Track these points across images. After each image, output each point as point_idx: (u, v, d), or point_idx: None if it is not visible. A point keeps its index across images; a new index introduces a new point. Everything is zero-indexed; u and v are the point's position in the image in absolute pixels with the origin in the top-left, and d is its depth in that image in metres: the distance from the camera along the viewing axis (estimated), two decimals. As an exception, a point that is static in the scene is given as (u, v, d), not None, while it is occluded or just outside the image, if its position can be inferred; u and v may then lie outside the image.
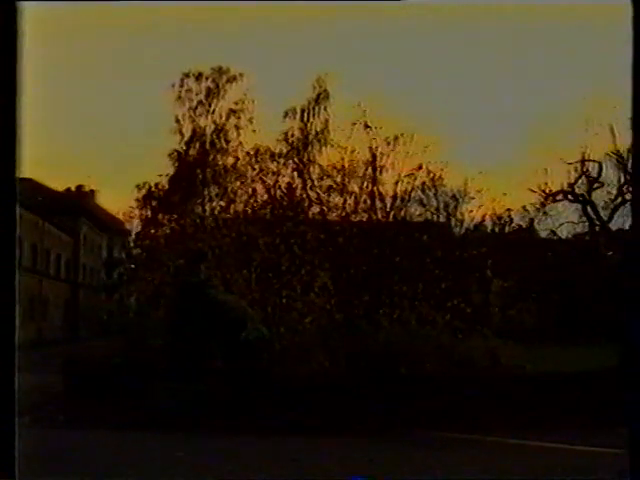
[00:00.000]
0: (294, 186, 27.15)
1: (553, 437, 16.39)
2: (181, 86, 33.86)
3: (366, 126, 26.27)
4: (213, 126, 34.39)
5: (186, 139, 34.64)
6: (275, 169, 27.44)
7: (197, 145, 34.53)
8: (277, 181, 27.11)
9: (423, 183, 27.95)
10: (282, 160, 27.58)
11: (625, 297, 4.78)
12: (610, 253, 33.72)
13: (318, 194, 26.76)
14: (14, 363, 4.46)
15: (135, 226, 35.20)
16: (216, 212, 28.99)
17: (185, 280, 19.56)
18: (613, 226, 29.30)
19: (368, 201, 26.55)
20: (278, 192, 26.77)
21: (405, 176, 26.71)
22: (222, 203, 29.08)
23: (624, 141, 28.50)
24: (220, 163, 32.73)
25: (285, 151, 27.88)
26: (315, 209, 26.85)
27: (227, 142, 33.68)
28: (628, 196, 27.80)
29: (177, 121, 34.37)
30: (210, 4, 25.89)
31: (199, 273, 19.40)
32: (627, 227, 33.26)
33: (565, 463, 13.19)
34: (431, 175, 27.59)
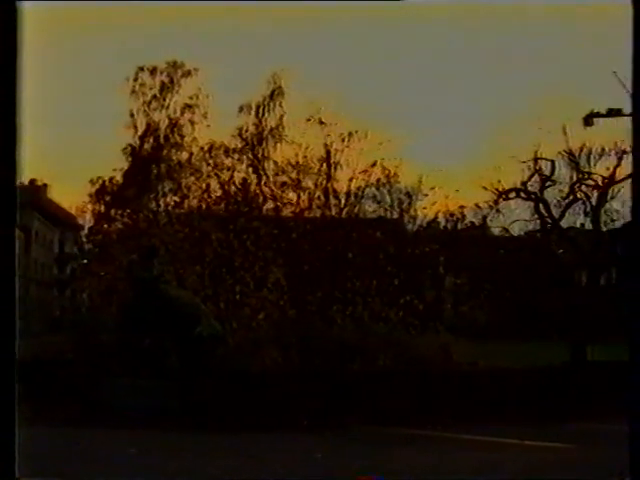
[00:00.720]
0: (248, 182, 27.13)
1: (505, 432, 16.56)
2: (135, 80, 33.71)
3: (320, 122, 26.32)
4: (167, 121, 34.26)
5: (140, 133, 34.48)
6: (229, 165, 27.42)
7: (151, 140, 34.38)
8: (231, 177, 27.08)
9: (377, 180, 28.07)
10: (236, 156, 27.56)
11: (627, 296, 4.80)
12: (561, 251, 34.08)
13: (272, 190, 26.76)
14: (14, 363, 4.43)
15: (88, 221, 35.02)
16: (170, 207, 28.90)
17: (138, 276, 19.43)
18: (564, 224, 29.61)
19: (322, 197, 26.61)
20: (232, 188, 26.72)
21: (359, 173, 26.81)
22: (176, 198, 28.99)
23: (576, 140, 28.85)
24: (174, 158, 32.64)
25: (240, 147, 27.87)
26: (269, 205, 26.86)
27: (181, 137, 33.58)
28: (579, 194, 28.13)
29: (131, 115, 34.21)
30: (165, -2, 25.78)
31: (152, 268, 19.29)
32: (578, 225, 33.65)
33: (516, 458, 13.31)
34: (385, 172, 27.71)
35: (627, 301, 4.78)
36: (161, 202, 31.15)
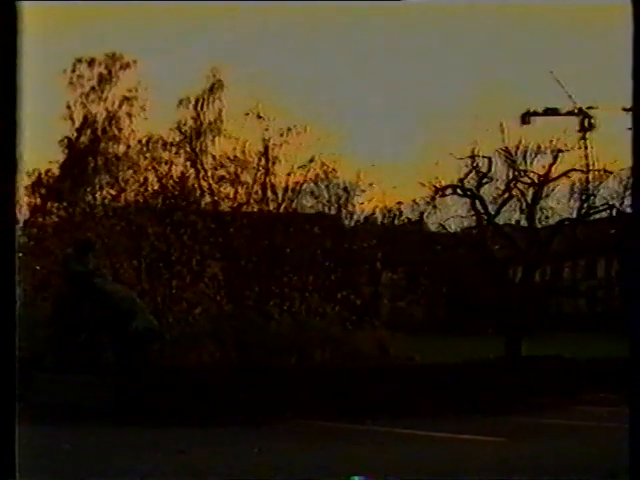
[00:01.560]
0: (186, 176, 26.97)
1: (440, 426, 16.71)
2: (73, 71, 33.37)
3: (259, 117, 26.25)
4: (105, 113, 33.99)
5: (77, 126, 34.15)
6: (167, 158, 27.23)
7: (88, 132, 34.09)
8: (169, 170, 26.89)
9: (316, 175, 28.09)
10: (174, 149, 27.38)
11: (628, 295, 4.82)
12: (497, 247, 34.46)
13: (210, 184, 26.63)
14: (14, 364, 4.40)
15: (23, 214, 34.54)
16: (106, 200, 28.63)
17: (73, 269, 19.23)
18: (500, 220, 29.92)
19: (260, 192, 26.55)
20: (170, 181, 26.55)
21: (298, 168, 26.79)
22: (113, 192, 28.72)
23: (513, 137, 29.15)
24: (111, 151, 32.40)
25: (178, 140, 27.69)
26: (207, 199, 26.73)
27: (119, 130, 33.35)
28: (515, 192, 28.43)
29: (68, 107, 33.87)
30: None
31: (87, 262, 19.10)
32: (513, 222, 34.04)
33: (451, 452, 13.44)
34: (324, 167, 27.74)
35: (627, 299, 4.77)
36: (98, 195, 30.88)
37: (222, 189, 26.47)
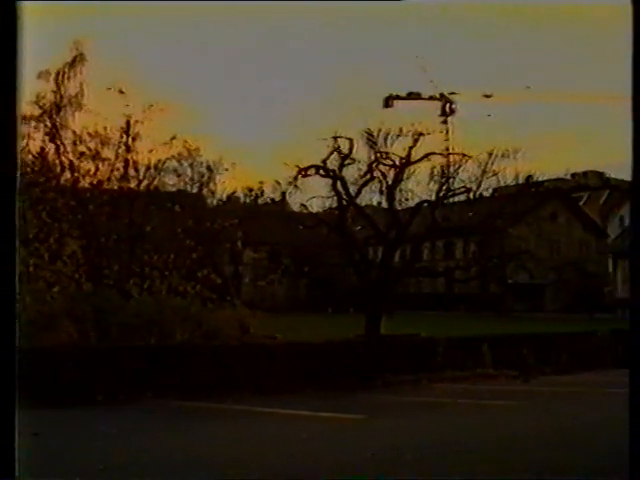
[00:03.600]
0: (46, 151, 26.32)
1: (300, 404, 16.87)
2: None
3: (121, 92, 25.80)
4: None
5: None
6: (26, 133, 26.48)
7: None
8: (27, 145, 26.16)
9: (178, 153, 27.84)
10: (33, 123, 26.62)
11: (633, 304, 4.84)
12: (358, 228, 34.89)
13: (70, 160, 26.06)
14: (14, 364, 4.24)
15: None
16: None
17: None
18: (361, 202, 30.27)
19: (121, 169, 26.13)
20: (29, 157, 25.85)
21: (160, 145, 26.48)
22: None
23: (376, 121, 29.47)
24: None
25: (37, 114, 26.95)
26: (67, 175, 26.15)
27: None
28: (377, 173, 28.73)
29: None
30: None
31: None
32: (375, 203, 34.51)
33: (309, 429, 13.58)
34: (186, 145, 27.53)
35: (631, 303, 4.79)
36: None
37: (82, 165, 25.94)
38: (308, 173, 28.14)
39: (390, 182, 28.72)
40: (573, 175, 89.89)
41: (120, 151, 26.03)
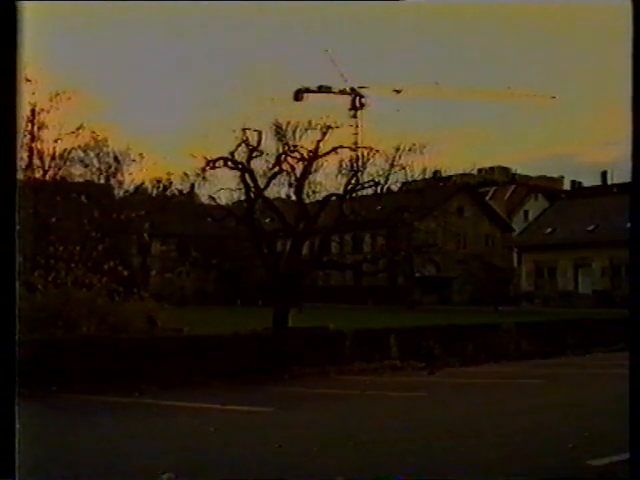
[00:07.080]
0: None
1: (207, 398, 16.81)
2: None
3: (27, 80, 25.30)
4: None
5: None
6: None
7: None
8: None
9: (85, 143, 27.47)
10: None
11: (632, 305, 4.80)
12: (267, 220, 34.87)
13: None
14: (14, 364, 4.14)
15: None
16: None
17: None
18: (270, 194, 30.28)
19: (26, 158, 25.69)
20: None
21: (66, 134, 26.08)
22: None
23: (285, 113, 29.50)
24: None
25: None
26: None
27: None
28: (285, 166, 28.74)
29: None
30: None
31: None
32: (283, 195, 34.53)
33: (217, 423, 13.54)
34: (94, 135, 27.18)
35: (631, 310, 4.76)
36: None
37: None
38: (216, 165, 28.01)
39: (299, 175, 28.77)
40: (480, 170, 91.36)
41: (25, 140, 25.58)
